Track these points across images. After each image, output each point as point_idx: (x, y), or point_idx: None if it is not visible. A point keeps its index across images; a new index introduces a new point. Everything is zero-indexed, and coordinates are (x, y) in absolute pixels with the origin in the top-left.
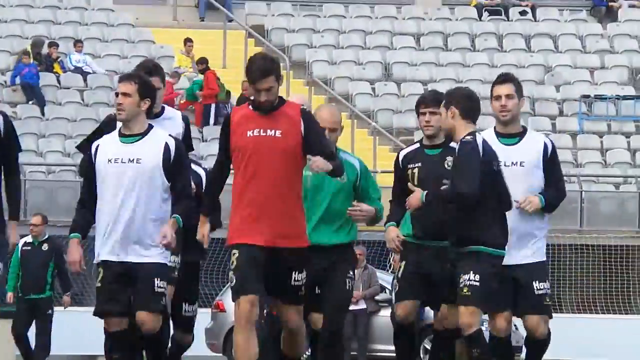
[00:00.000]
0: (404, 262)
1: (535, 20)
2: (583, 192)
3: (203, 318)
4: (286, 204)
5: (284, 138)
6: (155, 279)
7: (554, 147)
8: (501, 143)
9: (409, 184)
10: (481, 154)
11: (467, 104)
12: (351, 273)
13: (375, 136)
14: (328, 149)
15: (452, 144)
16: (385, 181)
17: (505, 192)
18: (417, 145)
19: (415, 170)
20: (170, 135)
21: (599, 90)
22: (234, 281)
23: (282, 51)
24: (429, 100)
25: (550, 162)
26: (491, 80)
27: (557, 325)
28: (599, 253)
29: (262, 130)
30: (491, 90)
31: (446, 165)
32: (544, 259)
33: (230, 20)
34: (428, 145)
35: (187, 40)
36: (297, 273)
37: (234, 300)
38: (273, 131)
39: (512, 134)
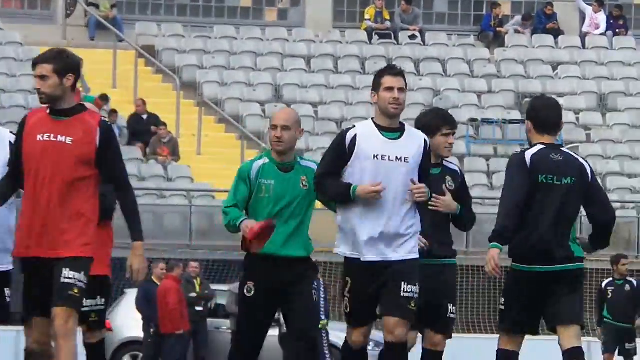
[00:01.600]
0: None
1: (425, 45)
2: None
3: None
4: (71, 213)
5: (74, 145)
6: None
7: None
8: (383, 137)
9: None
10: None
11: (540, 116)
12: (316, 284)
13: None
14: (118, 173)
15: (447, 163)
16: None
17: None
18: None
19: None
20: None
21: (486, 114)
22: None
23: (173, 72)
24: (452, 122)
25: (428, 156)
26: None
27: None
28: (484, 274)
29: (52, 135)
30: (379, 81)
31: (447, 185)
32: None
33: (121, 41)
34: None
35: None
36: (68, 270)
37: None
38: (64, 137)
39: (394, 129)
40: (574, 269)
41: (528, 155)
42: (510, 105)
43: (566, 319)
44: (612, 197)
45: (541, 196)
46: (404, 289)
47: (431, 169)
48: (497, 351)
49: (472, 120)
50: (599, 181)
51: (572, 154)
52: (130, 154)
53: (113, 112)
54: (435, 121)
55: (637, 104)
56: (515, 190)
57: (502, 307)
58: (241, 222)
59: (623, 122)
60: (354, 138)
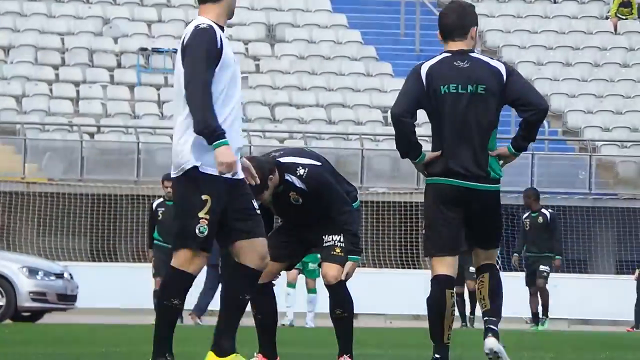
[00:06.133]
0: None
1: None
2: (140, 144)
3: None
4: None
5: None
6: None
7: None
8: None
9: None
10: (424, 76)
11: (440, 22)
12: None
13: None
14: None
15: None
16: None
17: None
18: None
19: None
20: None
21: (156, 44)
22: None
23: None
24: None
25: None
26: (76, 30)
27: None
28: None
29: None
30: None
31: None
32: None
33: None
34: None
35: None
36: None
37: None
38: None
39: None
40: (488, 190)
41: (426, 66)
42: (180, 34)
43: (481, 245)
44: (281, 127)
45: (449, 107)
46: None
47: None
48: (431, 279)
49: (143, 49)
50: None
51: (483, 58)
52: None
53: None
54: None
55: (305, 35)
56: (398, 101)
57: (424, 231)
58: None
59: (291, 53)
60: (221, 40)
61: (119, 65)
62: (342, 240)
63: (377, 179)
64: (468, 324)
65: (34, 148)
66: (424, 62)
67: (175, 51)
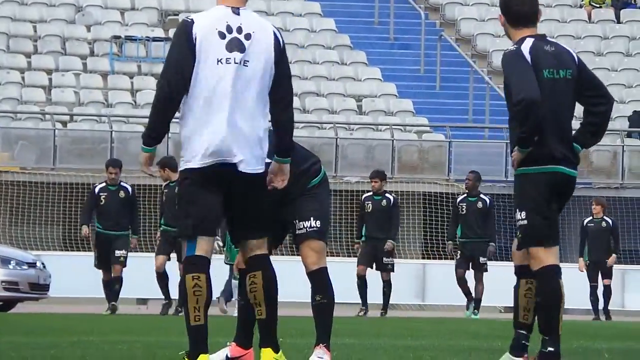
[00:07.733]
0: None
1: None
2: (113, 132)
3: None
4: None
5: None
6: None
7: None
8: None
9: None
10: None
11: (512, 9)
12: None
13: None
14: None
15: None
16: None
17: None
18: None
19: None
20: None
21: (129, 32)
22: None
23: None
24: None
25: None
26: (49, 18)
27: None
28: None
29: None
30: None
31: None
32: None
33: None
34: None
35: None
36: None
37: None
38: None
39: None
40: (575, 176)
41: (525, 48)
42: (154, 22)
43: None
44: None
45: (549, 92)
46: None
47: None
48: (541, 269)
49: (116, 37)
50: None
51: (559, 43)
52: None
53: None
54: None
55: (278, 24)
56: (526, 87)
57: (525, 222)
58: None
59: None
60: None
61: (92, 54)
62: (312, 225)
63: (351, 167)
64: (367, 312)
65: (6, 137)
66: (517, 46)
67: (149, 39)
